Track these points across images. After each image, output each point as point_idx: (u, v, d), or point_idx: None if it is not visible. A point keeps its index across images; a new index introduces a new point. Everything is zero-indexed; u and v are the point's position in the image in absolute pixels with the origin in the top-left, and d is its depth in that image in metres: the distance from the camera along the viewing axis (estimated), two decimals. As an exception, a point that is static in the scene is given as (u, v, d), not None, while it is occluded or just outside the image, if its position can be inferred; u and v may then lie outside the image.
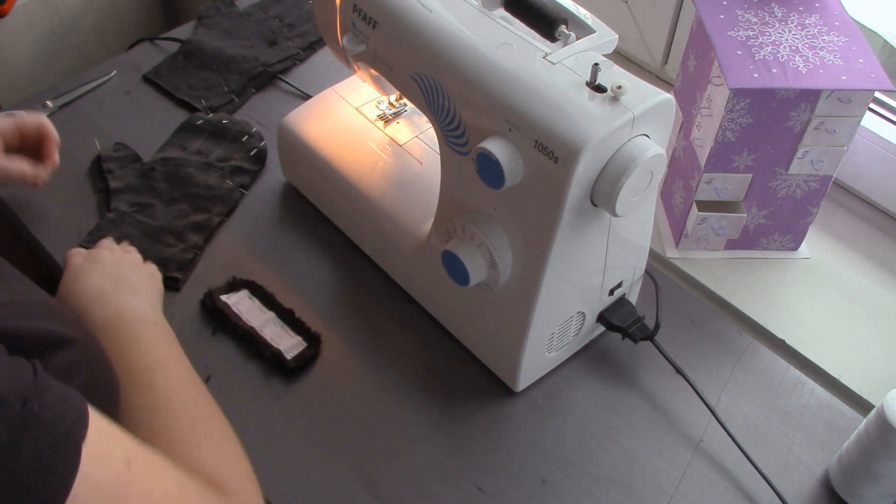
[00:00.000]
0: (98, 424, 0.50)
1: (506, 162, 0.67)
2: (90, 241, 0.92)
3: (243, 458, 0.68)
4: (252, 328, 0.86)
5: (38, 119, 0.92)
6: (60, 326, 0.58)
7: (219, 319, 0.88)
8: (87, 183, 1.01)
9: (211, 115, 1.09)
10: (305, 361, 0.85)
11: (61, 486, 0.46)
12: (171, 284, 0.90)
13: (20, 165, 0.90)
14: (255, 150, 1.05)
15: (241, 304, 0.88)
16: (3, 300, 0.56)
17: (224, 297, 0.88)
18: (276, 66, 1.17)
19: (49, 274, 0.95)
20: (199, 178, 1.01)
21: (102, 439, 0.50)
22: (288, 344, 0.85)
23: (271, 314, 0.88)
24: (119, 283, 0.78)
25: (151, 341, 0.72)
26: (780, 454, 0.80)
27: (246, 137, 1.06)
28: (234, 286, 0.90)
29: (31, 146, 0.92)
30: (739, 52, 0.85)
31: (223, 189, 1.00)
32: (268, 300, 0.89)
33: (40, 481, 0.45)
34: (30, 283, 0.63)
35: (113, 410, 0.64)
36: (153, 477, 0.53)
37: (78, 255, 0.83)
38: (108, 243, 0.87)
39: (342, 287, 0.93)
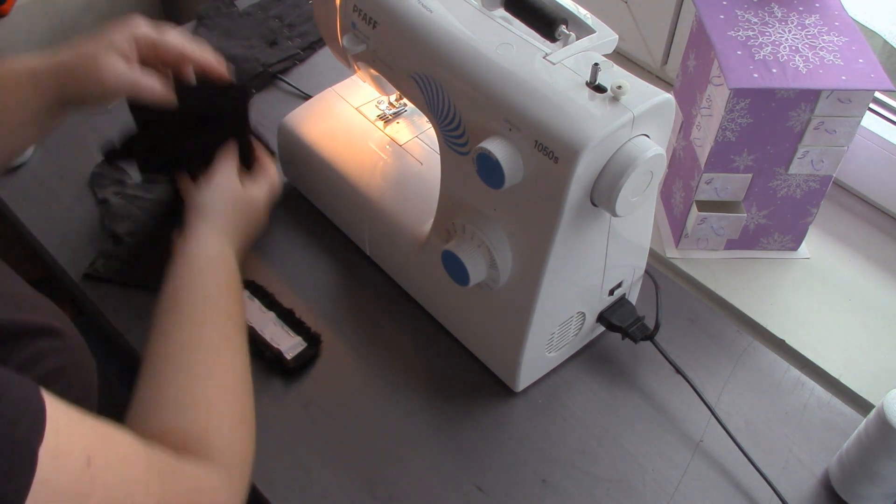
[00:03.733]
0: (56, 422, 0.48)
1: (506, 162, 0.67)
2: (99, 267, 0.91)
3: (244, 434, 0.67)
4: (252, 328, 0.86)
5: (180, 44, 0.81)
6: (33, 317, 0.58)
7: None
8: (88, 185, 1.01)
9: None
10: (305, 361, 0.84)
11: (17, 493, 0.45)
12: None
13: (152, 81, 0.79)
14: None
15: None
16: None
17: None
18: (276, 66, 1.17)
19: (49, 274, 0.95)
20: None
21: (61, 438, 0.48)
22: (288, 344, 0.85)
23: (271, 314, 0.88)
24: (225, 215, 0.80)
25: (208, 274, 0.74)
26: (780, 454, 0.80)
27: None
28: None
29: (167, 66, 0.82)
30: (739, 52, 0.85)
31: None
32: (268, 300, 0.89)
33: None
34: (7, 271, 0.62)
35: (88, 405, 0.63)
36: (116, 469, 0.52)
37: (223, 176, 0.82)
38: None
39: (342, 287, 0.93)
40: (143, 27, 0.80)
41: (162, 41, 0.80)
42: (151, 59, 0.80)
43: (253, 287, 0.90)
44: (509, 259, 0.74)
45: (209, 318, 0.71)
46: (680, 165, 0.98)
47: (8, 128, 0.77)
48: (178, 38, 0.81)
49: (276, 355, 0.84)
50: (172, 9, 1.66)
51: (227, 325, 0.72)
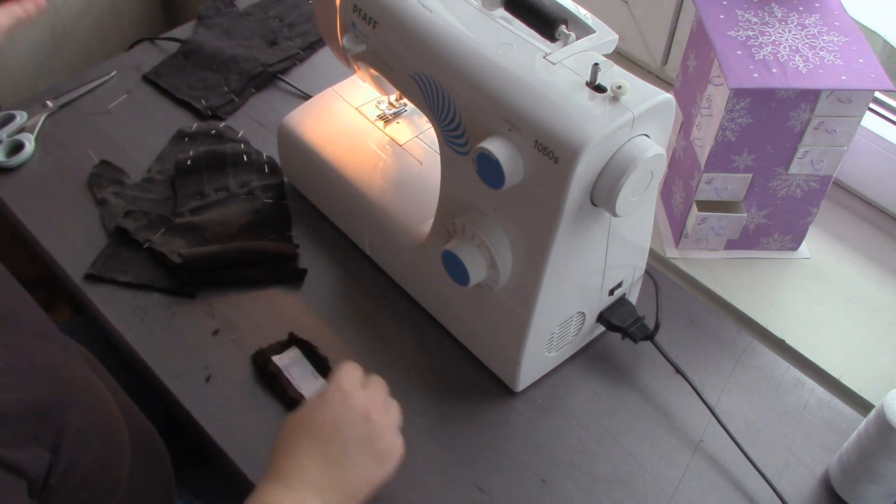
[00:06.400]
0: None
1: (506, 162, 0.67)
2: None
3: None
4: (278, 367, 0.83)
5: None
6: (58, 392, 0.58)
7: (268, 380, 0.84)
8: (87, 185, 1.01)
9: (192, 152, 1.03)
10: None
11: None
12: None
13: None
14: (265, 165, 1.02)
15: (293, 367, 0.84)
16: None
17: (276, 359, 0.85)
18: (276, 66, 1.17)
19: (49, 273, 0.95)
20: (241, 208, 0.98)
21: None
22: (311, 388, 0.82)
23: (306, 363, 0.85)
24: (324, 468, 0.64)
25: None
26: (780, 454, 0.80)
27: (246, 157, 1.02)
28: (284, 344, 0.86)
29: None
30: (739, 52, 0.85)
31: (268, 207, 0.98)
32: (306, 349, 0.86)
33: None
34: (35, 321, 0.62)
35: (118, 467, 0.65)
36: None
37: (339, 392, 0.67)
38: (379, 389, 0.71)
39: (342, 287, 0.93)
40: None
41: None
42: None
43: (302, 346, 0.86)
44: (509, 259, 0.74)
45: None
46: (680, 165, 0.98)
47: None
48: None
49: (297, 400, 0.81)
50: (172, 9, 1.66)
51: None
